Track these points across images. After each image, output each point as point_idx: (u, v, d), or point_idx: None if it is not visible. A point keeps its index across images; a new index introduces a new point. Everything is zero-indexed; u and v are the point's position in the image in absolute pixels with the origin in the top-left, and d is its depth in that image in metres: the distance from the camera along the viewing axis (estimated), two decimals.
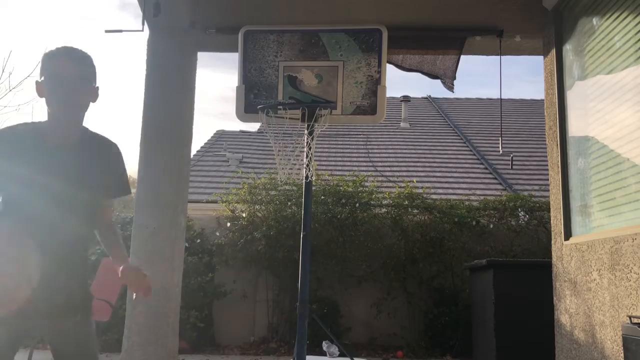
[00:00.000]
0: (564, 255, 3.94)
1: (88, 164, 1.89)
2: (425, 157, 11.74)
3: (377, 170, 10.24)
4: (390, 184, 8.81)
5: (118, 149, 2.01)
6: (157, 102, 4.65)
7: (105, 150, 1.97)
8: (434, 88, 47.46)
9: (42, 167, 1.79)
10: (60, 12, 40.84)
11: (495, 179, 10.44)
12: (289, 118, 4.23)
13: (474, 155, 11.81)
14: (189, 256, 6.69)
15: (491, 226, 7.13)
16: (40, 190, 1.78)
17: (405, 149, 12.37)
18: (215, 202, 7.88)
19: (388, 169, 10.70)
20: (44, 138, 1.82)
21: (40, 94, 1.84)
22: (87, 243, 1.95)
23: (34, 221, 1.76)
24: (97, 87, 1.90)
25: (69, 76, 1.79)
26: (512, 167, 10.18)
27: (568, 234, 3.95)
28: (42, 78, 1.81)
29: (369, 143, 12.31)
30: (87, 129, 1.94)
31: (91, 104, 1.88)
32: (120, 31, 4.77)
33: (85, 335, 1.86)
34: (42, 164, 1.79)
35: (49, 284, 1.74)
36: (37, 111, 28.59)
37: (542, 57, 4.52)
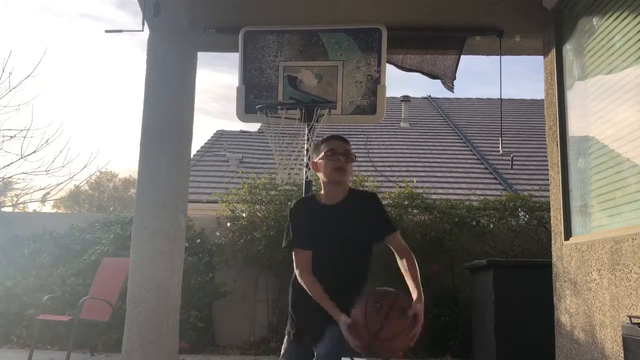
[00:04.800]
0: (564, 255, 3.94)
1: (352, 217, 2.42)
2: (425, 157, 11.75)
3: (377, 170, 10.24)
4: (390, 184, 8.81)
5: (375, 197, 2.51)
6: (157, 102, 4.65)
7: (365, 202, 2.47)
8: (434, 88, 47.52)
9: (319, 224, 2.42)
10: (59, 11, 40.82)
11: (495, 179, 10.45)
12: (289, 118, 4.24)
13: (474, 155, 11.82)
14: (189, 256, 6.68)
15: (491, 226, 7.11)
16: (320, 244, 2.41)
17: (405, 149, 12.38)
18: (215, 202, 7.87)
19: (388, 169, 10.70)
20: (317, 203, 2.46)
21: (317, 169, 2.45)
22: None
23: (323, 266, 2.40)
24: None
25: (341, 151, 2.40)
26: (512, 167, 10.18)
27: (568, 234, 3.94)
28: (319, 157, 2.43)
29: (369, 143, 12.31)
30: (351, 189, 2.49)
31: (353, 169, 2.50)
32: (120, 31, 4.77)
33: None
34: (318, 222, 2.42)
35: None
36: (37, 111, 28.51)
37: (542, 57, 4.52)
